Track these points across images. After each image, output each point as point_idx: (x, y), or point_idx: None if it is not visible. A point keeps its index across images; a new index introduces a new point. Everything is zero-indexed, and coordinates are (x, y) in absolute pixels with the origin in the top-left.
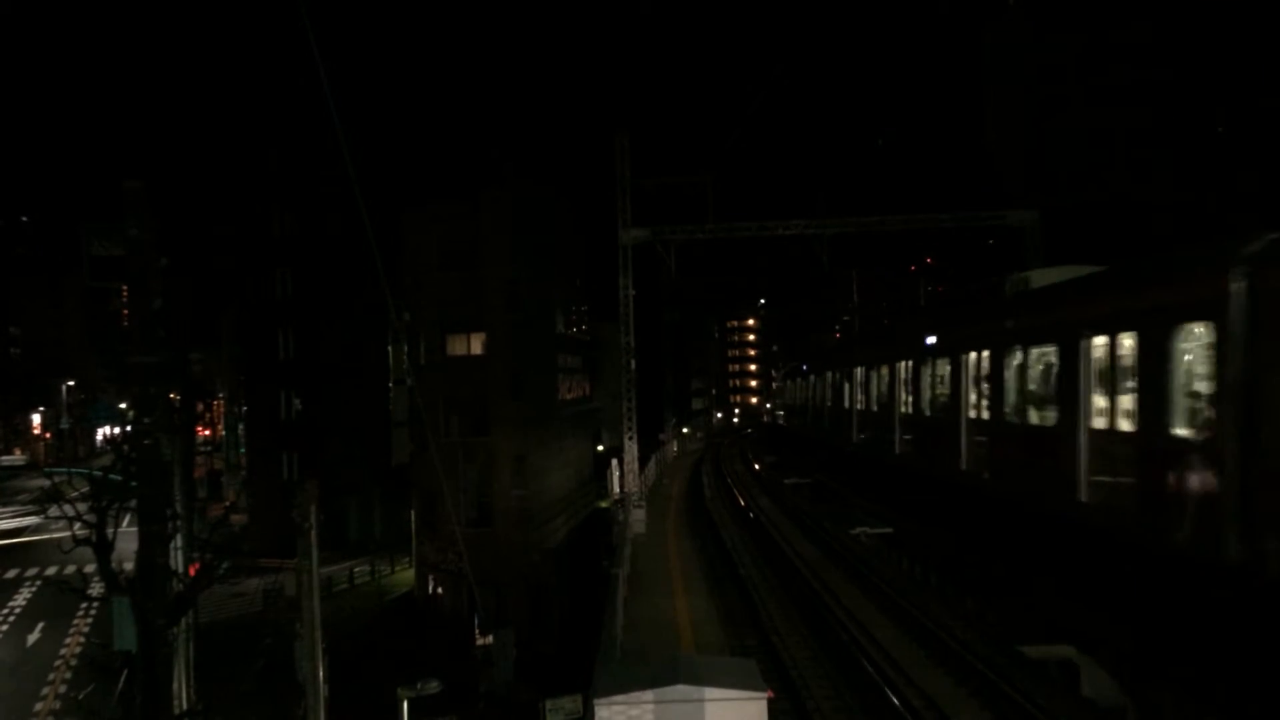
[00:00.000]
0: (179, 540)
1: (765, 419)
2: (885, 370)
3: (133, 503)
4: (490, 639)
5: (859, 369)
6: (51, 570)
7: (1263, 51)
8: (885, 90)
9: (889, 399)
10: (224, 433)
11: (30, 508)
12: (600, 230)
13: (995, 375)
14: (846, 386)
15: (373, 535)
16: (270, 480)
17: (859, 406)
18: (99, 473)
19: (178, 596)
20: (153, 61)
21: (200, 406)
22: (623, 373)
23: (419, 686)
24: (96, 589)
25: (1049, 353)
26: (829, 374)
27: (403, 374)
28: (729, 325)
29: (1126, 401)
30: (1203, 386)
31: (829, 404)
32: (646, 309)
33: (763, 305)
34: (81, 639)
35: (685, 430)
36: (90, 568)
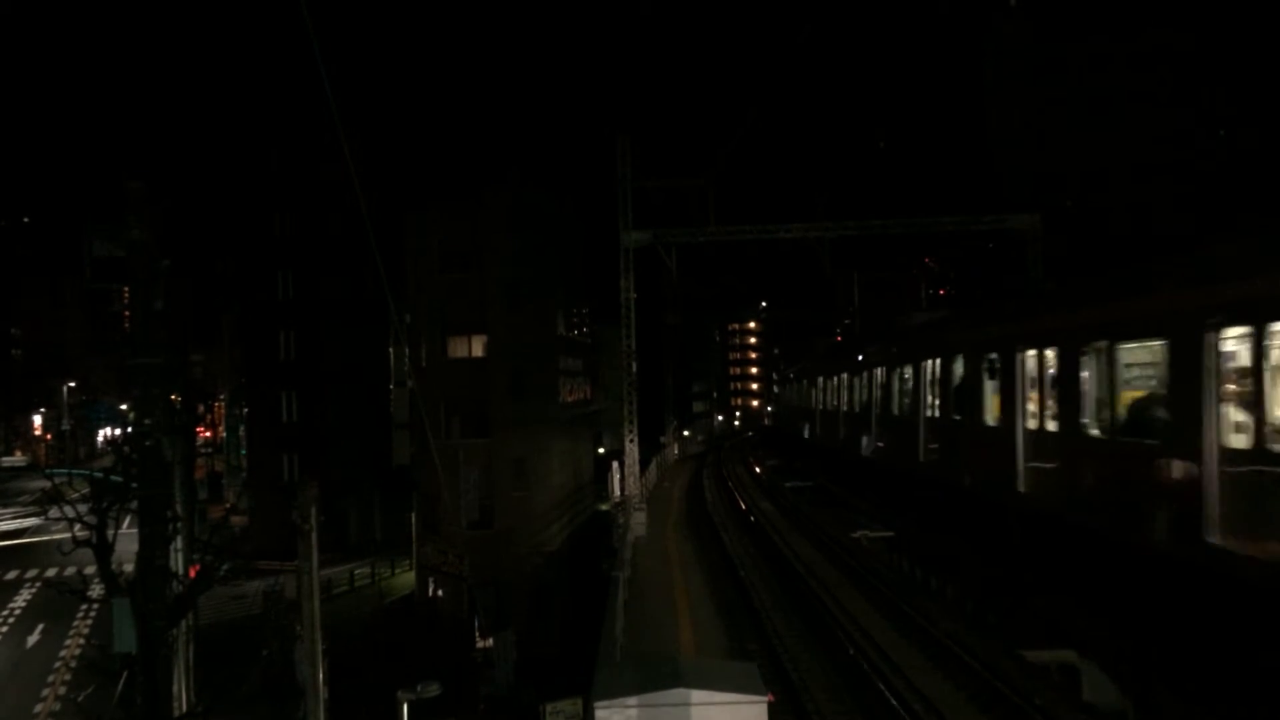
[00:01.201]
0: (179, 542)
1: (766, 422)
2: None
3: (133, 504)
4: (491, 641)
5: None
6: (51, 572)
7: (1264, 52)
8: (887, 92)
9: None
10: (225, 434)
11: (31, 509)
12: (601, 233)
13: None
14: (848, 391)
15: (373, 537)
16: (271, 482)
17: (845, 410)
18: (99, 474)
19: (177, 598)
20: (155, 62)
21: (201, 408)
22: (624, 375)
23: (419, 689)
24: (96, 590)
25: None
26: (825, 379)
27: (403, 375)
28: (730, 328)
29: None
30: None
31: (826, 409)
32: (648, 312)
33: (764, 308)
34: (81, 641)
35: (686, 433)
36: (90, 569)
